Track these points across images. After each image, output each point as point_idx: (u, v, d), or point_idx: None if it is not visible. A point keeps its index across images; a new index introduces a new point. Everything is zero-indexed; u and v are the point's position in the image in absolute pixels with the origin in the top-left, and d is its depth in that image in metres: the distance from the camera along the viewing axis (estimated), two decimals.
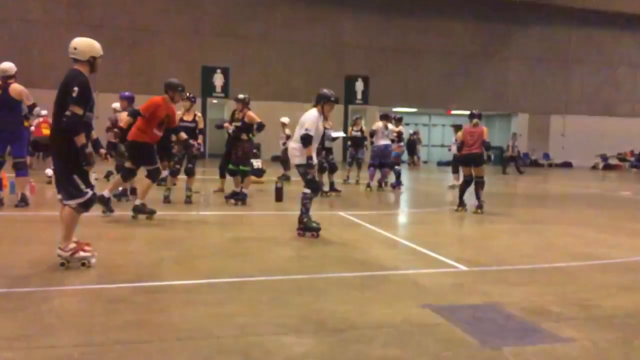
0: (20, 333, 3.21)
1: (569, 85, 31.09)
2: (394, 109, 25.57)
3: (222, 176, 10.82)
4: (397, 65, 28.02)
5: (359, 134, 13.69)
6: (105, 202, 7.38)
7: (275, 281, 4.59)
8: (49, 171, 11.63)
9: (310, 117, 6.48)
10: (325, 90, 6.67)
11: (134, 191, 9.43)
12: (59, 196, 4.66)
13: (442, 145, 30.69)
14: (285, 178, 13.46)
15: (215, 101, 25.80)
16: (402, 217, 9.50)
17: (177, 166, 9.21)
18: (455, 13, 28.43)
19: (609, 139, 29.54)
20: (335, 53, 27.15)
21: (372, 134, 12.76)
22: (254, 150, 10.67)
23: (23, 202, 7.98)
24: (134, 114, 7.45)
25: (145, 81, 23.54)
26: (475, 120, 9.40)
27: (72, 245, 4.58)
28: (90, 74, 4.69)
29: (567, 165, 29.92)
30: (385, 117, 12.91)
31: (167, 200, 9.03)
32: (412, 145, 26.56)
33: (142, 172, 7.70)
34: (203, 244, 6.07)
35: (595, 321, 3.78)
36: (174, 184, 9.42)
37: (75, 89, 4.38)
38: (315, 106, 6.62)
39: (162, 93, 7.65)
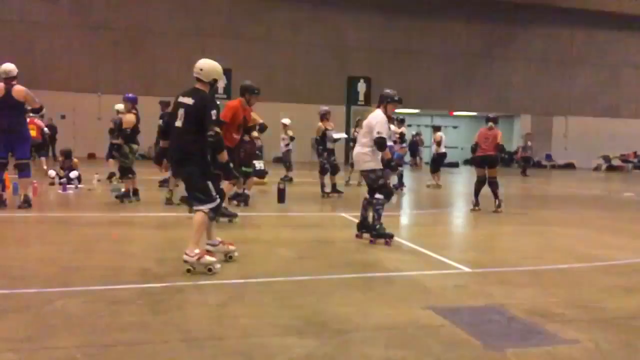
0: (24, 334, 3.21)
1: (571, 87, 31.06)
2: (396, 110, 25.54)
3: None
4: (400, 67, 28.01)
5: None
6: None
7: (277, 282, 4.59)
8: (52, 172, 11.66)
9: (379, 119, 6.25)
10: (388, 90, 6.51)
11: (136, 192, 9.45)
12: (194, 206, 4.85)
13: (445, 147, 30.65)
14: (288, 179, 13.46)
15: (217, 102, 25.79)
16: (405, 218, 9.49)
17: None
18: (457, 14, 28.43)
19: (612, 140, 29.51)
20: (338, 54, 27.17)
21: None
22: (257, 152, 10.67)
23: (26, 203, 7.99)
24: (220, 124, 7.42)
25: (148, 83, 23.61)
26: (490, 124, 9.83)
27: (197, 251, 4.68)
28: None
29: (569, 166, 29.88)
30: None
31: (169, 202, 9.03)
32: (414, 146, 26.54)
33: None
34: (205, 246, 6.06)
35: (598, 323, 3.77)
36: (177, 185, 9.41)
37: (214, 112, 4.74)
38: (378, 107, 6.44)
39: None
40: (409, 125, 24.10)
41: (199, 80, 4.92)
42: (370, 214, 6.44)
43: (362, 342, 3.27)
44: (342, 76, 27.06)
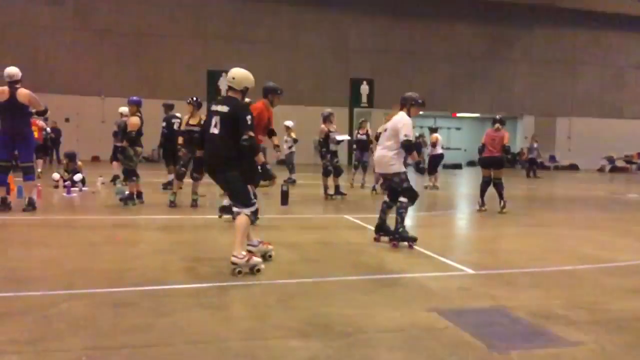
0: (29, 336, 3.22)
1: (575, 88, 31.01)
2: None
3: None
4: (402, 68, 28.02)
5: (364, 137, 13.70)
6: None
7: (281, 285, 4.59)
8: (56, 175, 11.70)
9: (405, 121, 6.19)
10: (410, 94, 6.47)
11: (140, 195, 9.47)
12: (235, 209, 4.99)
13: (448, 148, 30.62)
14: (291, 181, 13.47)
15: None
16: (408, 220, 9.45)
17: (183, 170, 9.23)
18: (460, 15, 28.43)
19: (616, 141, 29.45)
20: (341, 56, 27.19)
21: (378, 137, 12.76)
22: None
23: (30, 206, 8.02)
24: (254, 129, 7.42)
25: (151, 86, 23.68)
26: (497, 125, 9.92)
27: (244, 252, 4.82)
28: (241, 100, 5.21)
29: (573, 167, 29.81)
30: None
31: (172, 204, 9.05)
32: (418, 148, 26.51)
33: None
34: (209, 248, 6.08)
35: (603, 325, 3.76)
36: (180, 188, 9.44)
37: (249, 117, 4.87)
38: (401, 109, 6.37)
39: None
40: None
41: (231, 88, 5.08)
42: (389, 217, 6.41)
43: (366, 345, 3.27)
44: (345, 78, 27.09)
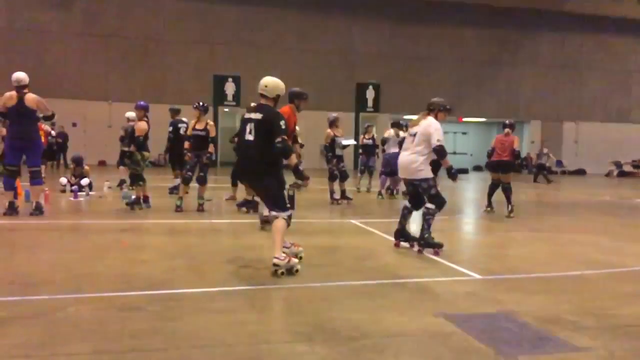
0: (36, 340, 3.23)
1: (581, 92, 30.89)
2: (405, 117, 25.52)
3: (234, 184, 10.87)
4: (408, 73, 27.99)
5: (370, 142, 13.69)
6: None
7: (287, 289, 4.59)
8: (63, 179, 11.75)
9: (437, 126, 6.14)
10: (438, 99, 6.43)
11: (147, 199, 9.49)
12: (273, 213, 5.14)
13: (454, 153, 30.59)
14: (297, 186, 13.47)
15: (226, 109, 25.95)
16: (414, 225, 9.45)
17: (189, 174, 9.26)
18: (466, 20, 28.40)
19: (623, 146, 29.29)
20: (346, 61, 27.21)
21: (384, 142, 12.78)
22: None
23: (38, 210, 8.06)
24: (288, 133, 7.48)
25: (158, 91, 23.76)
26: (507, 130, 10.08)
27: (284, 255, 5.02)
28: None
29: (580, 172, 29.68)
30: (396, 125, 12.92)
31: (179, 208, 9.07)
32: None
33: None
34: (215, 252, 6.08)
35: (611, 330, 3.73)
36: (186, 192, 9.46)
37: (282, 122, 5.06)
38: (428, 114, 6.30)
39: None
40: None
41: (263, 96, 5.25)
42: (410, 223, 6.38)
43: (372, 350, 3.26)
44: (350, 83, 27.09)
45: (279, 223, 5.05)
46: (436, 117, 6.30)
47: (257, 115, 5.10)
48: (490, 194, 10.25)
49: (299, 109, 7.51)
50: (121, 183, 12.37)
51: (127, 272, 4.95)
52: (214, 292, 4.43)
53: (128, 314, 3.76)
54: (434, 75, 28.46)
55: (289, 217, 5.17)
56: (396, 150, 12.67)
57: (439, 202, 6.20)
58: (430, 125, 6.14)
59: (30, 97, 7.98)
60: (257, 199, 9.33)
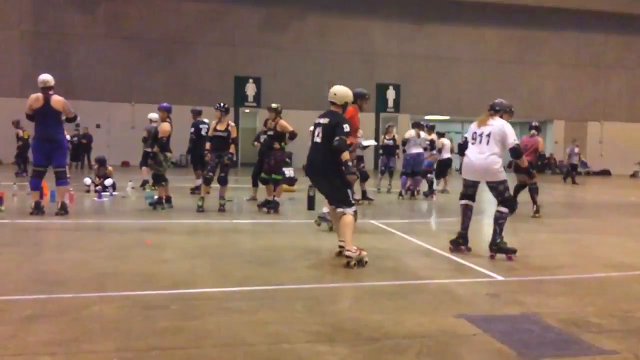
0: (61, 338, 3.29)
1: (606, 91, 30.36)
2: (426, 117, 25.42)
3: (255, 185, 10.93)
4: (429, 73, 27.83)
5: (391, 142, 13.64)
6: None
7: (308, 289, 4.60)
8: (87, 180, 11.93)
9: (510, 127, 6.07)
10: (504, 101, 6.36)
11: (169, 200, 9.59)
12: (339, 209, 5.56)
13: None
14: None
15: (247, 110, 26.11)
16: (435, 225, 9.41)
17: (210, 174, 9.33)
18: (487, 19, 28.13)
19: None
20: (367, 61, 27.15)
21: (405, 142, 12.73)
22: (286, 159, 10.73)
23: (63, 210, 8.19)
24: (349, 135, 7.60)
25: (180, 92, 24.00)
26: (532, 131, 10.08)
27: (355, 247, 5.37)
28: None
29: (605, 173, 29.17)
30: (417, 125, 12.86)
31: (200, 209, 9.14)
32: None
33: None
34: (236, 252, 6.12)
35: (637, 333, 3.67)
36: (208, 193, 9.53)
37: (346, 125, 5.52)
38: (494, 116, 6.17)
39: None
40: (439, 133, 23.89)
41: (333, 103, 5.75)
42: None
43: (393, 351, 3.25)
44: (371, 83, 26.98)
45: (347, 219, 5.46)
46: (501, 118, 6.23)
47: (325, 120, 5.61)
48: (515, 195, 10.00)
49: (361, 108, 7.82)
50: (144, 183, 12.51)
51: (150, 271, 5.01)
52: (235, 291, 4.46)
53: (151, 313, 3.80)
54: (455, 76, 28.25)
55: (355, 212, 5.57)
56: (417, 150, 12.64)
57: (512, 205, 6.12)
58: (504, 126, 6.07)
59: (56, 99, 8.13)
60: (277, 198, 9.41)
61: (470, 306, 4.21)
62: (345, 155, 5.48)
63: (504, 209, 6.06)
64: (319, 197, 9.64)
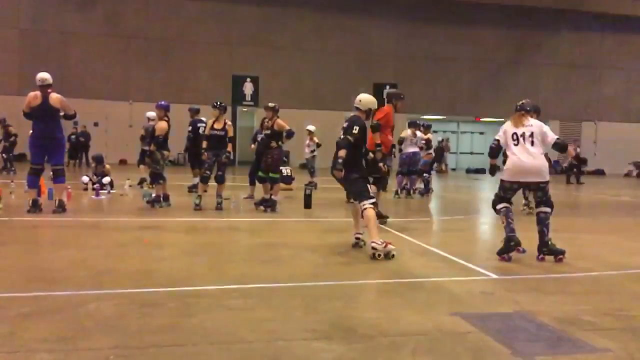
0: (59, 335, 3.30)
1: (601, 92, 30.47)
2: (423, 117, 25.45)
3: (252, 183, 10.94)
4: (426, 73, 27.88)
5: None
6: None
7: (305, 287, 4.62)
8: (85, 178, 11.93)
9: (545, 125, 6.10)
10: (531, 101, 6.42)
11: (166, 198, 9.60)
12: (360, 203, 5.88)
13: (471, 153, 30.45)
14: (313, 185, 13.51)
15: (245, 109, 26.11)
16: (431, 224, 9.44)
17: (207, 173, 9.34)
18: (484, 20, 28.20)
19: None
20: (364, 61, 27.17)
21: (401, 141, 12.75)
22: (284, 158, 10.75)
23: (60, 208, 8.20)
24: (377, 129, 7.81)
25: (178, 91, 23.98)
26: None
27: (381, 240, 5.61)
28: (365, 120, 6.23)
29: (599, 172, 29.28)
30: (413, 125, 12.88)
31: (197, 207, 9.16)
32: (440, 152, 26.34)
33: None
34: (234, 250, 6.15)
35: (631, 332, 3.70)
36: (205, 191, 9.55)
37: (356, 127, 5.90)
38: (525, 115, 6.19)
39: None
40: (435, 132, 23.93)
41: (357, 109, 6.16)
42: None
43: (389, 348, 3.28)
44: (368, 83, 27.01)
45: (370, 212, 5.73)
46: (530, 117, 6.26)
47: (346, 124, 6.01)
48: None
49: (396, 108, 7.97)
50: (141, 182, 12.51)
51: (147, 269, 5.03)
52: (232, 289, 4.48)
53: (148, 310, 3.82)
54: (451, 76, 28.31)
55: (374, 203, 5.92)
56: (413, 149, 12.66)
57: (552, 204, 6.19)
58: (542, 125, 6.12)
59: (55, 97, 8.13)
60: (274, 197, 9.43)
61: (465, 304, 4.24)
62: (341, 153, 5.83)
63: (547, 209, 6.10)
64: (319, 198, 9.67)
